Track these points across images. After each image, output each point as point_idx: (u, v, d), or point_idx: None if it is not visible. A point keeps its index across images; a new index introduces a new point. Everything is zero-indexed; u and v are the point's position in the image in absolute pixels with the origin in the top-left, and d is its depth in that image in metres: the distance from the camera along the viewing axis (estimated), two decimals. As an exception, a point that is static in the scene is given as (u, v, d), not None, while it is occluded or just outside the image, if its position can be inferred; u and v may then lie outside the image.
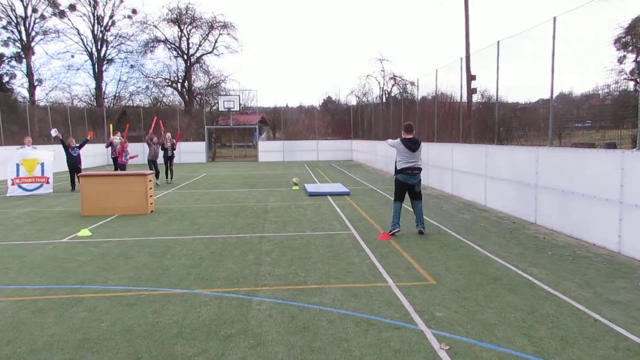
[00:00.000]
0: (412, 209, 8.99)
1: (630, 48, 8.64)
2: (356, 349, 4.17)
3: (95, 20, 41.02)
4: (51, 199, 14.61)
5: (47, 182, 16.06)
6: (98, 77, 41.82)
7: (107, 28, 41.78)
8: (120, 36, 42.65)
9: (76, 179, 16.14)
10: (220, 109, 35.53)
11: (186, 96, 43.41)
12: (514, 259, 7.03)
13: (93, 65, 41.76)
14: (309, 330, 4.56)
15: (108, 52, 42.63)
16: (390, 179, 19.30)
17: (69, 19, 40.14)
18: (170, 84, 44.57)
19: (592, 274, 6.28)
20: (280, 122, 44.12)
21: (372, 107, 31.61)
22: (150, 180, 11.83)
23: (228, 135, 44.67)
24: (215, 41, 43.09)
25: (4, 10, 36.37)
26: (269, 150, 36.03)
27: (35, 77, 38.75)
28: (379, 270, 6.54)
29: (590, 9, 8.04)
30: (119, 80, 44.75)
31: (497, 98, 11.72)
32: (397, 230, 8.65)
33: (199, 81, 44.29)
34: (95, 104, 40.82)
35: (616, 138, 8.89)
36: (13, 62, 39.06)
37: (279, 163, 32.85)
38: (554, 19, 8.94)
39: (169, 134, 19.45)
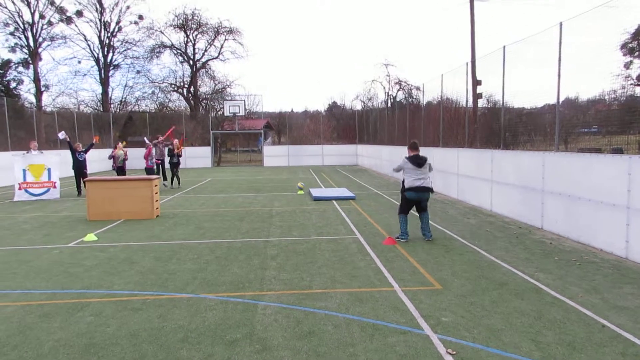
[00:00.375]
0: (418, 217, 8.93)
1: (637, 53, 8.62)
2: (362, 353, 4.15)
3: (102, 26, 41.34)
4: (57, 204, 14.68)
5: (54, 187, 16.16)
6: (104, 82, 42.07)
7: (114, 34, 42.10)
8: (126, 42, 42.98)
9: (82, 184, 16.24)
10: (225, 114, 35.67)
11: (192, 101, 43.61)
12: (521, 264, 7.00)
13: (99, 70, 42.03)
14: (315, 335, 4.55)
15: (114, 57, 42.94)
16: (396, 183, 19.28)
17: (75, 25, 40.55)
18: (176, 89, 44.80)
19: (599, 279, 6.23)
20: (285, 127, 44.22)
21: (377, 112, 31.66)
22: (156, 185, 11.87)
23: (233, 140, 44.81)
24: (221, 46, 43.32)
25: (11, 16, 36.74)
26: (274, 154, 36.08)
27: (42, 83, 39.04)
28: (384, 274, 6.52)
29: (597, 14, 8.03)
30: (125, 86, 45.04)
31: (503, 103, 11.70)
32: (404, 240, 8.58)
33: (205, 86, 44.54)
34: (101, 110, 41.04)
35: (623, 143, 8.85)
36: (20, 68, 39.42)
37: (284, 168, 32.89)
38: (560, 24, 8.92)
39: (176, 141, 19.55)
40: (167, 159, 18.94)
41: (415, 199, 8.63)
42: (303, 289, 5.95)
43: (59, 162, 16.56)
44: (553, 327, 4.69)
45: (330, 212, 12.01)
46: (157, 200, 11.85)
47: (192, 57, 43.07)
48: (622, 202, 7.29)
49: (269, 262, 7.29)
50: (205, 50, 43.38)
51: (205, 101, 43.29)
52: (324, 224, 10.38)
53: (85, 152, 16.86)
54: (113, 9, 41.35)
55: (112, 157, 18.25)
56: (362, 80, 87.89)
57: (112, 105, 42.88)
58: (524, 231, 9.44)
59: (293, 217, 11.34)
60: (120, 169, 18.28)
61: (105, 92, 42.12)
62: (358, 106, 49.01)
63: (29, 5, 36.82)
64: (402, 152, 20.73)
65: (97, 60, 41.95)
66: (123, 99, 44.72)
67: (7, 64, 38.65)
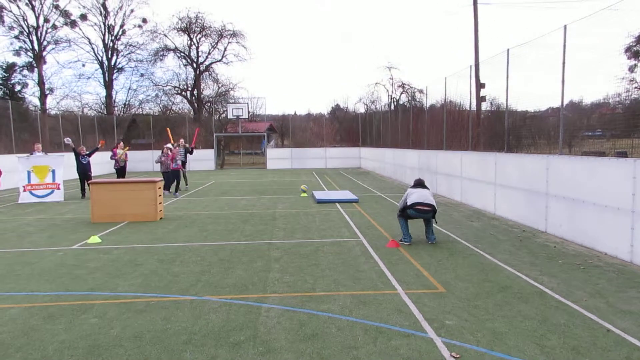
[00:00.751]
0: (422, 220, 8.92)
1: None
2: (365, 356, 4.15)
3: (106, 30, 41.49)
4: (61, 206, 14.73)
5: (58, 188, 16.21)
6: (108, 85, 42.21)
7: (118, 37, 42.23)
8: (130, 45, 43.09)
9: (86, 186, 16.28)
10: (229, 117, 35.70)
11: (195, 104, 43.68)
12: (525, 267, 6.98)
13: (103, 73, 42.18)
14: (318, 338, 4.54)
15: (118, 60, 43.07)
16: (399, 186, 19.27)
17: (80, 29, 40.62)
18: (179, 92, 44.89)
19: (603, 283, 6.21)
20: (288, 130, 44.22)
21: (380, 115, 31.63)
22: (159, 187, 11.89)
23: (237, 142, 44.83)
24: (225, 49, 43.41)
25: (16, 20, 36.92)
26: (278, 157, 36.10)
27: (46, 86, 39.15)
28: (387, 277, 6.51)
29: (600, 17, 8.02)
30: (129, 89, 45.17)
31: (506, 106, 11.68)
32: (407, 243, 8.58)
33: (208, 89, 44.59)
34: (105, 112, 41.17)
35: (627, 147, 8.83)
36: (25, 72, 39.54)
37: (287, 170, 32.91)
38: (565, 27, 8.91)
39: (182, 140, 19.59)
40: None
41: (421, 216, 8.55)
42: (306, 292, 5.94)
43: (64, 163, 16.62)
44: (557, 331, 4.67)
45: (334, 215, 12.01)
46: (160, 203, 11.88)
47: (195, 60, 43.18)
48: (626, 205, 7.27)
49: (273, 264, 7.29)
50: (209, 53, 43.51)
51: (208, 104, 43.38)
52: (327, 227, 10.38)
53: (89, 155, 16.91)
54: (117, 12, 41.55)
55: (114, 157, 18.35)
56: (366, 83, 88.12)
57: (115, 108, 43.00)
58: (528, 234, 9.41)
59: (296, 220, 11.35)
60: (120, 170, 18.37)
61: (109, 95, 42.26)
62: (361, 109, 49.06)
63: (33, 9, 37.00)
64: (406, 155, 20.77)
65: (101, 64, 42.11)
66: (127, 102, 44.88)
67: (12, 67, 38.83)
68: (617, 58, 8.12)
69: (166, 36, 42.58)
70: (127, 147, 19.45)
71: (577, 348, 4.28)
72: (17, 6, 36.49)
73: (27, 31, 37.51)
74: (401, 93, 48.46)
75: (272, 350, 4.29)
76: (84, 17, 40.10)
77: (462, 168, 14.18)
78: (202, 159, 34.60)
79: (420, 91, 39.21)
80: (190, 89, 44.26)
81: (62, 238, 9.60)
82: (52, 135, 30.09)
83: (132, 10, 41.93)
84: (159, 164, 18.67)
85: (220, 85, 43.68)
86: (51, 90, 40.41)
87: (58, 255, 8.15)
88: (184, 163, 19.20)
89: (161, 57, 43.26)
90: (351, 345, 4.37)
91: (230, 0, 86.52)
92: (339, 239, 9.10)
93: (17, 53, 38.37)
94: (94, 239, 9.17)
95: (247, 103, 36.07)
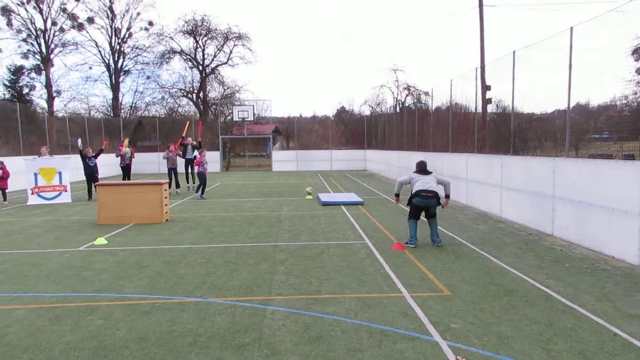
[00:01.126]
0: (427, 224, 8.93)
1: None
2: (370, 359, 4.14)
3: (113, 33, 41.75)
4: (68, 208, 14.81)
5: (65, 190, 16.33)
6: (115, 88, 42.45)
7: (125, 40, 42.49)
8: (137, 48, 43.34)
9: (93, 188, 16.39)
10: (234, 119, 35.79)
11: (201, 106, 43.83)
12: (531, 271, 6.94)
13: (110, 76, 42.44)
14: (323, 340, 4.54)
15: (125, 63, 43.32)
16: (405, 189, 19.20)
17: (87, 32, 40.91)
18: (185, 94, 45.07)
19: (610, 287, 6.16)
20: (293, 132, 44.27)
21: (385, 117, 31.61)
22: (165, 189, 11.94)
23: (242, 145, 44.98)
24: (230, 52, 43.53)
25: (24, 23, 37.25)
26: (283, 159, 36.13)
27: (53, 89, 39.43)
28: (393, 280, 6.50)
29: (607, 19, 7.99)
30: (136, 91, 45.54)
31: (512, 108, 11.64)
32: (413, 246, 8.58)
33: (214, 91, 44.76)
34: (112, 115, 41.40)
35: (635, 149, 8.77)
36: (33, 74, 39.90)
37: (292, 172, 32.93)
38: (571, 29, 8.88)
39: (189, 138, 19.69)
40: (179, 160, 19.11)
41: (422, 205, 8.64)
42: (311, 294, 5.94)
43: (70, 165, 16.75)
44: (564, 335, 4.64)
45: (339, 217, 12.00)
46: (166, 205, 11.92)
47: (201, 63, 43.35)
48: (634, 208, 7.21)
49: (278, 266, 7.30)
50: (215, 56, 43.66)
51: (214, 106, 43.51)
52: (332, 229, 10.37)
53: (95, 157, 17.02)
54: (124, 15, 41.83)
55: (119, 155, 18.48)
56: (371, 86, 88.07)
57: (122, 111, 43.23)
58: (534, 237, 9.37)
59: (302, 222, 11.35)
60: (126, 167, 18.48)
61: (115, 98, 42.50)
62: (367, 111, 49.01)
63: (41, 12, 37.32)
64: (411, 157, 20.71)
65: (107, 66, 42.38)
66: (133, 104, 45.15)
67: (19, 70, 39.16)
68: (624, 60, 8.08)
69: (172, 39, 42.81)
70: (133, 148, 19.54)
71: (584, 352, 4.25)
72: (25, 9, 36.88)
73: (35, 34, 37.83)
74: (407, 95, 48.42)
75: (276, 353, 4.29)
76: (91, 20, 40.39)
77: (468, 170, 14.14)
78: (208, 161, 34.62)
79: (426, 93, 39.21)
80: (196, 91, 44.43)
81: (68, 240, 9.66)
82: (59, 138, 30.30)
83: (138, 14, 42.36)
84: (166, 159, 18.81)
85: (226, 87, 43.87)
86: (58, 92, 40.72)
87: (65, 256, 8.19)
88: (192, 161, 19.17)
89: (167, 60, 43.49)
90: (356, 348, 4.36)
91: (236, 3, 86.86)
92: (344, 242, 9.10)
93: (25, 56, 38.74)
94: (101, 241, 9.22)
95: (253, 105, 36.15)
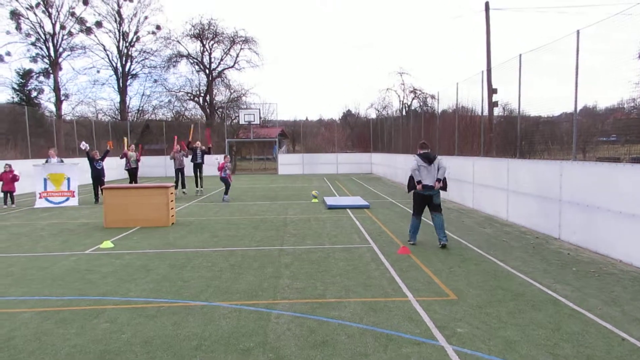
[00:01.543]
0: (432, 222, 9.01)
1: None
2: (376, 364, 4.11)
3: (121, 37, 42.01)
4: (75, 211, 14.89)
5: (73, 196, 16.50)
6: (122, 91, 42.69)
7: (132, 44, 42.72)
8: (144, 51, 43.56)
9: (99, 192, 16.50)
10: (240, 122, 35.90)
11: (208, 110, 43.95)
12: (538, 274, 6.89)
13: (118, 80, 42.68)
14: (328, 345, 4.52)
15: (132, 67, 43.55)
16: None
17: (95, 36, 41.18)
18: (192, 97, 45.23)
19: (618, 291, 6.11)
20: (300, 135, 44.32)
21: (391, 121, 31.59)
22: (171, 193, 11.98)
23: (248, 148, 45.03)
24: (237, 56, 43.64)
25: (33, 27, 37.60)
26: (289, 163, 36.16)
27: (62, 92, 39.72)
28: (398, 284, 6.47)
29: (614, 22, 7.94)
30: (143, 95, 45.62)
31: (519, 111, 11.59)
32: (412, 242, 8.90)
33: (220, 95, 44.86)
34: (119, 118, 41.62)
35: (643, 152, 8.69)
36: (41, 78, 40.15)
37: (298, 176, 32.94)
38: (578, 32, 8.84)
39: (198, 142, 19.78)
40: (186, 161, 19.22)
41: (427, 194, 8.80)
42: (317, 298, 5.93)
43: (79, 171, 16.90)
44: (571, 339, 4.60)
45: (345, 221, 11.99)
46: (172, 208, 11.96)
47: (208, 66, 43.49)
48: (642, 212, 7.15)
49: (283, 270, 7.29)
50: (221, 60, 43.78)
51: (220, 110, 43.63)
52: (338, 233, 10.36)
53: (102, 159, 17.14)
54: (131, 19, 42.09)
55: (124, 155, 18.56)
56: (377, 89, 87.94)
57: (129, 114, 43.43)
58: (541, 241, 9.30)
59: (307, 226, 11.34)
60: (132, 171, 18.56)
61: (123, 101, 42.73)
62: (373, 114, 49.00)
63: (50, 16, 37.67)
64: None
65: (115, 70, 42.63)
66: (140, 108, 45.32)
67: (28, 73, 39.45)
68: (632, 63, 8.02)
69: (179, 43, 42.99)
70: (138, 152, 19.63)
71: (592, 357, 4.21)
72: (34, 13, 37.23)
73: (44, 38, 38.16)
74: (413, 98, 48.37)
75: (281, 357, 4.28)
76: (99, 24, 40.68)
77: (474, 174, 14.08)
78: (214, 165, 34.76)
79: (432, 97, 39.14)
80: (202, 94, 44.57)
81: (75, 243, 9.70)
82: (67, 141, 30.48)
83: (146, 18, 42.49)
84: (173, 160, 18.92)
85: (232, 91, 43.96)
86: (66, 96, 41.01)
87: (71, 259, 8.22)
88: (200, 165, 19.32)
89: (174, 64, 43.66)
90: (361, 353, 4.34)
91: (243, 7, 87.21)
92: (349, 245, 9.08)
93: (33, 60, 39.03)
94: (107, 244, 9.25)
95: (259, 109, 36.25)
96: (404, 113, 42.39)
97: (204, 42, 42.78)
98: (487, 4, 22.06)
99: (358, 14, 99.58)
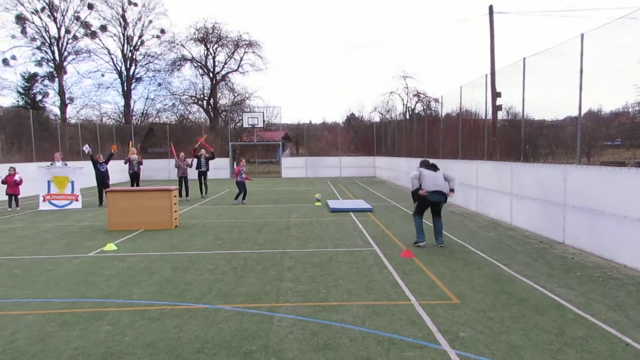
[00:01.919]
0: (432, 224, 9.18)
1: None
2: (378, 368, 4.10)
3: (125, 40, 42.19)
4: (79, 214, 14.94)
5: (77, 200, 16.54)
6: (127, 95, 42.84)
7: (137, 47, 42.90)
8: (148, 55, 43.71)
9: (104, 194, 16.54)
10: (244, 126, 35.96)
11: (211, 113, 44.10)
12: (541, 279, 6.86)
13: (122, 83, 42.84)
14: (331, 348, 4.51)
15: (137, 70, 43.71)
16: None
17: (100, 40, 41.36)
18: (196, 101, 45.38)
19: (623, 296, 6.07)
20: (303, 139, 44.33)
21: (395, 124, 31.55)
22: (175, 196, 12.00)
23: (252, 151, 45.08)
24: (241, 59, 43.80)
25: (38, 31, 37.82)
26: (292, 166, 36.19)
27: (66, 96, 39.88)
28: (401, 288, 6.45)
29: (618, 26, 7.92)
30: (147, 98, 45.72)
31: (523, 115, 11.56)
32: (423, 243, 8.97)
33: (224, 98, 45.00)
34: (123, 121, 41.77)
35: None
36: (46, 81, 40.35)
37: (301, 179, 32.95)
38: (582, 35, 8.82)
39: (203, 150, 19.92)
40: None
41: (433, 200, 8.91)
42: (319, 301, 5.92)
43: (82, 175, 16.97)
44: (575, 344, 4.57)
45: (348, 224, 11.97)
46: (175, 211, 11.98)
47: (212, 70, 43.66)
48: (646, 216, 7.11)
49: (286, 273, 7.28)
50: (225, 63, 43.95)
51: (224, 113, 43.76)
52: (341, 236, 10.34)
53: (106, 162, 17.21)
54: (136, 23, 42.27)
55: (127, 160, 18.63)
56: (380, 92, 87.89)
57: (133, 117, 43.59)
58: (545, 245, 9.27)
59: (310, 229, 11.34)
60: (135, 174, 18.61)
61: (127, 104, 42.87)
62: (376, 118, 48.95)
63: (55, 20, 37.87)
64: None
65: (120, 74, 42.80)
66: (144, 111, 45.44)
67: (33, 77, 39.66)
68: (637, 67, 7.98)
69: (183, 46, 43.21)
70: (134, 149, 19.76)
71: (596, 362, 4.18)
72: (40, 18, 37.44)
73: (49, 42, 38.36)
74: (416, 102, 48.31)
75: (283, 360, 4.27)
76: (104, 28, 40.88)
77: (478, 177, 14.05)
78: (218, 168, 34.76)
79: (436, 100, 39.04)
80: (206, 98, 44.73)
81: (79, 245, 9.73)
82: (71, 144, 30.59)
83: (150, 21, 42.66)
84: (177, 169, 19.00)
85: (236, 94, 44.09)
86: (71, 99, 41.17)
87: (74, 262, 8.24)
88: (205, 173, 19.56)
89: (178, 67, 43.86)
90: (364, 357, 4.32)
91: (247, 11, 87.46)
92: (352, 249, 9.06)
93: (38, 63, 39.25)
94: (110, 247, 9.27)
95: (263, 112, 36.29)
96: (407, 116, 42.34)
97: (208, 46, 42.97)
98: (491, 7, 22.05)
99: (362, 18, 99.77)
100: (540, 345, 4.56)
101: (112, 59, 42.44)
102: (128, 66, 42.77)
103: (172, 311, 5.62)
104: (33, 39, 38.06)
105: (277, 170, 38.33)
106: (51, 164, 16.98)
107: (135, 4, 41.53)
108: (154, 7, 42.56)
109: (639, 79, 8.13)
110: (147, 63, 43.99)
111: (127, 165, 18.88)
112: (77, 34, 39.63)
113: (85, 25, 39.75)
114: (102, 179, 17.00)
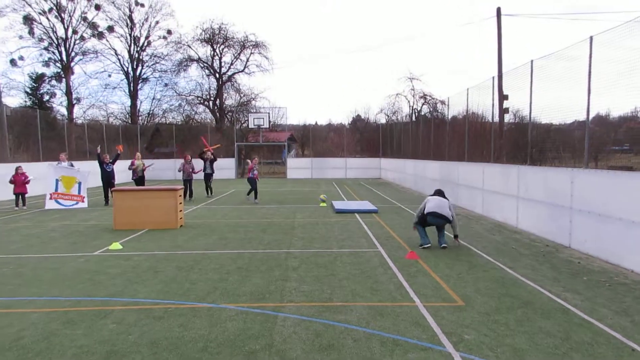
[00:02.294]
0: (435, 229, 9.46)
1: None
2: (382, 370, 4.08)
3: (132, 41, 42.40)
4: (85, 213, 15.01)
5: (82, 201, 16.64)
6: (133, 95, 43.03)
7: (143, 48, 43.09)
8: (155, 56, 43.89)
9: (109, 194, 16.63)
10: (250, 126, 36.02)
11: (217, 113, 44.16)
12: (547, 283, 6.82)
13: (129, 84, 43.03)
14: (334, 349, 4.50)
15: (143, 71, 43.89)
16: (420, 197, 19.09)
17: (107, 40, 41.58)
18: (202, 101, 45.45)
19: (629, 301, 6.02)
20: (309, 140, 44.37)
21: (401, 126, 31.50)
22: (180, 196, 12.04)
23: (257, 152, 45.11)
24: (247, 60, 43.80)
25: (45, 32, 38.10)
26: (298, 167, 36.22)
27: (73, 96, 40.11)
28: (406, 289, 6.43)
29: (628, 29, 7.87)
30: (153, 98, 45.91)
31: (530, 118, 11.51)
32: (428, 244, 9.06)
33: (230, 99, 45.03)
34: (129, 122, 41.94)
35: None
36: (53, 82, 40.62)
37: (307, 180, 32.96)
38: (591, 38, 8.77)
39: (208, 152, 20.03)
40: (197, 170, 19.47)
41: (434, 223, 9.17)
42: (323, 302, 5.91)
43: (89, 178, 17.11)
44: (580, 349, 4.54)
45: (353, 225, 11.96)
46: (181, 211, 12.01)
47: (218, 71, 43.72)
48: (654, 220, 7.05)
49: (290, 273, 7.28)
50: (231, 64, 43.98)
51: (230, 113, 43.82)
52: (345, 237, 10.33)
53: (113, 163, 17.31)
54: (143, 24, 42.48)
55: (132, 167, 18.71)
56: (387, 94, 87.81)
57: (140, 118, 43.75)
58: (551, 249, 9.21)
59: (315, 230, 11.33)
60: (139, 179, 18.69)
61: (133, 105, 43.05)
62: (382, 120, 48.86)
63: (62, 21, 38.13)
64: (426, 166, 20.61)
65: (126, 74, 43.00)
66: (151, 111, 45.62)
67: (41, 77, 39.94)
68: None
69: (190, 47, 43.27)
70: (138, 153, 19.89)
71: (602, 367, 4.15)
72: (47, 18, 37.71)
73: (56, 43, 38.61)
74: (422, 104, 48.17)
75: (287, 361, 4.26)
76: (111, 28, 41.09)
77: (484, 180, 13.99)
78: (223, 168, 34.87)
79: (442, 102, 38.97)
80: (212, 98, 44.79)
81: (84, 244, 9.77)
82: (78, 144, 30.74)
83: (157, 22, 42.85)
84: (181, 172, 19.05)
85: (242, 95, 44.13)
86: (78, 100, 41.41)
87: (80, 261, 8.28)
88: (210, 175, 19.77)
89: (185, 68, 43.93)
90: (367, 358, 4.31)
91: (254, 12, 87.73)
92: (357, 250, 9.05)
93: (46, 64, 39.52)
94: (116, 246, 9.30)
95: (269, 113, 36.37)
96: (413, 118, 42.24)
97: (215, 47, 43.02)
98: (498, 10, 21.98)
99: (369, 19, 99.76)
100: (546, 349, 4.53)
101: (119, 59, 42.69)
102: (135, 67, 42.97)
103: (177, 310, 5.63)
104: (40, 40, 38.37)
105: (282, 171, 38.36)
106: (57, 164, 17.07)
107: (142, 5, 41.77)
108: (161, 8, 42.85)
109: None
110: (154, 64, 44.19)
111: (131, 172, 18.96)
112: (85, 35, 39.88)
113: (93, 26, 39.97)
114: (108, 178, 17.12)
